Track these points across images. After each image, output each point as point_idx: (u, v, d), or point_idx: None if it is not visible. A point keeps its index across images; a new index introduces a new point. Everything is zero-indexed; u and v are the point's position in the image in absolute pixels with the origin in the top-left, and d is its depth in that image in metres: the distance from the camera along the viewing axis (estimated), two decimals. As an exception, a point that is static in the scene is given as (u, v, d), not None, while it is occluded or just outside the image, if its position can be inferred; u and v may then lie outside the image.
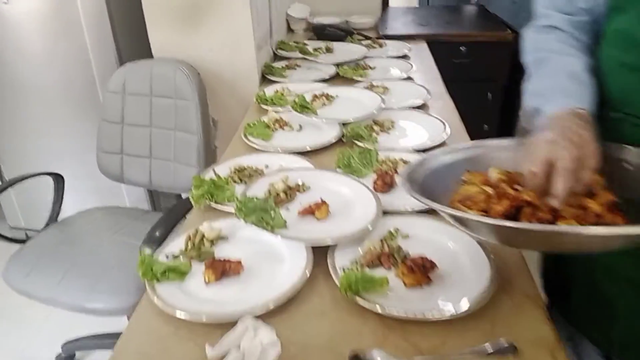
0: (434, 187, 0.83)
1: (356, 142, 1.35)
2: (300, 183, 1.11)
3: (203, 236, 0.96)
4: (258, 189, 1.07)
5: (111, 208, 1.86)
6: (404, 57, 2.14)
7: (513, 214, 0.71)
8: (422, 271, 0.83)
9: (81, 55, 1.98)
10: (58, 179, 1.81)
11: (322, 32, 2.40)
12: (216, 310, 0.80)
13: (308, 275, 0.87)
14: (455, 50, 2.49)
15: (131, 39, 2.01)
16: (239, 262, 0.88)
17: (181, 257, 0.93)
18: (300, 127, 1.49)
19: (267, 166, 1.26)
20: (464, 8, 3.05)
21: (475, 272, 0.86)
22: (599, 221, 0.68)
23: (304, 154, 1.32)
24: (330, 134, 1.41)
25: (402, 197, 1.09)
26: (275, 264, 0.91)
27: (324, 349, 0.75)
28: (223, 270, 0.86)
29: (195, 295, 0.84)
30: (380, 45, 2.27)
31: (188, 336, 0.78)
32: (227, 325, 0.77)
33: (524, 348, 0.74)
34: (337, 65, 1.97)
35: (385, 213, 1.01)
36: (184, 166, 1.74)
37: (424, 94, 1.66)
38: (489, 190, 0.76)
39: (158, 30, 1.83)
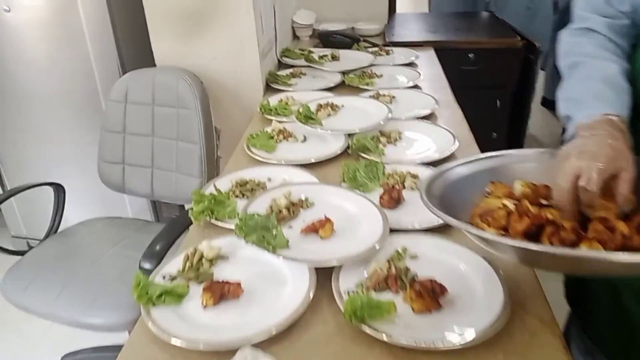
0: (454, 199, 0.80)
1: (362, 154, 1.31)
2: (303, 198, 1.07)
3: (202, 256, 0.92)
4: (260, 205, 1.03)
5: (112, 219, 1.83)
6: (411, 64, 2.09)
7: (534, 233, 0.69)
8: (431, 296, 0.79)
9: (83, 64, 1.95)
10: (58, 189, 1.78)
11: (327, 39, 2.36)
12: (214, 337, 0.75)
13: (311, 298, 0.83)
14: (463, 57, 2.45)
15: (134, 47, 1.98)
16: (239, 285, 0.84)
17: (179, 278, 0.89)
18: (305, 138, 1.45)
19: (269, 179, 1.22)
20: (473, 14, 3.01)
21: (488, 296, 0.81)
22: (626, 244, 0.64)
23: (308, 166, 1.28)
24: (336, 146, 1.37)
25: (410, 214, 1.05)
26: (276, 286, 0.87)
27: (327, 380, 0.71)
28: (222, 293, 0.82)
29: (193, 320, 0.80)
30: (387, 53, 2.23)
31: (184, 365, 0.74)
32: (225, 353, 0.73)
33: (540, 382, 0.69)
34: (343, 73, 1.93)
35: (392, 231, 0.97)
36: (186, 177, 1.71)
37: (431, 103, 1.61)
38: (510, 206, 0.73)
39: (161, 39, 1.80)
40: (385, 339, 0.73)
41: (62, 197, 1.79)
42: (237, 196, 1.14)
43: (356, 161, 1.25)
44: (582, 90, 0.81)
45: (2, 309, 1.49)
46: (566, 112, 0.82)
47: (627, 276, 0.71)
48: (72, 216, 2.19)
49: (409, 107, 1.61)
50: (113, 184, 1.82)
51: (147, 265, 1.28)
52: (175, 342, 0.75)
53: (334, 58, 2.09)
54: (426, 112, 1.56)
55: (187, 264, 0.91)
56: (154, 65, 1.85)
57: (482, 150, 1.02)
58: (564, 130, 0.86)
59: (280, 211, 1.01)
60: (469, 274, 0.87)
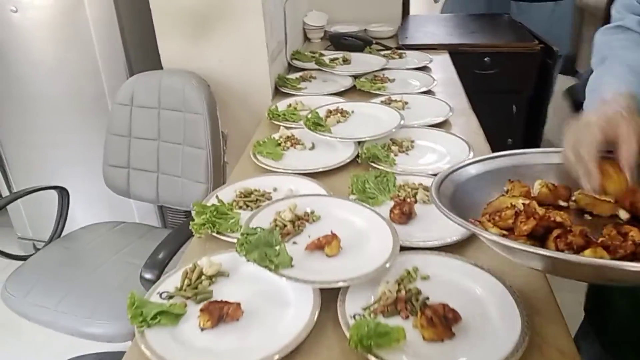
0: (469, 197, 0.78)
1: (372, 163, 1.26)
2: (309, 212, 1.02)
3: (201, 272, 0.87)
4: (263, 219, 0.98)
5: (117, 224, 1.80)
6: (425, 68, 2.04)
7: (542, 235, 0.67)
8: (443, 324, 0.73)
9: (90, 65, 1.92)
10: (62, 193, 1.75)
11: (339, 42, 2.31)
12: (210, 364, 0.71)
13: (315, 321, 0.78)
14: (479, 61, 2.38)
15: (142, 49, 1.95)
16: (238, 305, 0.79)
17: (176, 296, 0.84)
18: (313, 145, 1.40)
19: (275, 189, 1.18)
20: (489, 17, 2.93)
21: (504, 323, 0.76)
22: (636, 251, 0.62)
23: (315, 175, 1.23)
24: (345, 154, 1.32)
25: (422, 230, 1.00)
26: (278, 306, 0.82)
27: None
28: (220, 315, 0.78)
29: (189, 344, 0.76)
30: (400, 56, 2.17)
31: (178, 393, 0.69)
32: (221, 382, 0.68)
33: None
34: (354, 77, 1.88)
35: (403, 248, 0.91)
36: (192, 182, 1.67)
37: (446, 110, 1.56)
38: (519, 205, 0.72)
39: (168, 41, 1.77)
40: (393, 370, 0.68)
41: (66, 200, 1.76)
42: (240, 207, 1.10)
43: (366, 171, 1.20)
44: (606, 79, 0.81)
45: (4, 313, 1.46)
46: (590, 103, 0.81)
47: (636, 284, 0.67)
48: (79, 218, 2.17)
49: (422, 113, 1.55)
50: (118, 188, 1.79)
51: (148, 276, 1.24)
52: (169, 368, 0.70)
53: (345, 61, 2.04)
54: (440, 119, 1.50)
55: (186, 282, 0.86)
56: (162, 67, 1.81)
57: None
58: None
59: (284, 225, 0.96)
60: (484, 297, 0.81)
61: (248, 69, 1.77)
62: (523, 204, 0.72)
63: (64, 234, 1.77)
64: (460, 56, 2.29)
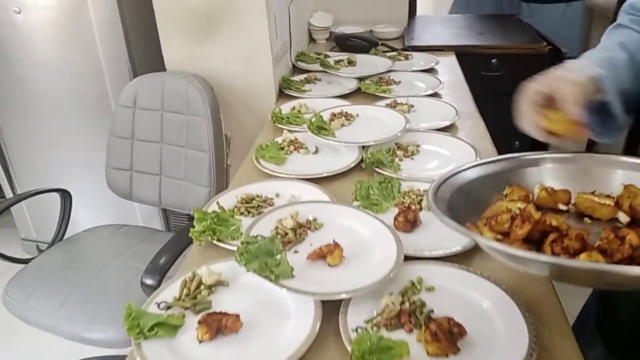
0: (468, 201, 0.77)
1: (376, 168, 1.24)
2: (311, 219, 1.00)
3: (200, 282, 0.85)
4: (264, 226, 0.96)
5: (120, 226, 1.78)
6: (431, 70, 2.01)
7: (538, 239, 0.68)
8: (448, 339, 0.71)
9: (94, 67, 1.91)
10: (65, 196, 1.74)
11: (344, 43, 2.29)
12: (207, 378, 0.69)
13: (316, 333, 0.76)
14: (486, 63, 2.35)
15: (145, 50, 1.93)
16: (237, 317, 0.77)
17: (174, 307, 0.82)
18: (317, 149, 1.38)
19: (277, 195, 1.15)
20: (497, 18, 2.90)
21: (511, 339, 0.73)
22: (634, 255, 0.62)
23: (318, 180, 1.21)
24: (349, 158, 1.30)
25: (427, 238, 0.97)
26: (279, 317, 0.80)
27: None
28: (218, 327, 0.76)
29: (187, 356, 0.74)
30: (406, 58, 2.14)
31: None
32: (218, 398, 0.66)
33: None
34: (360, 79, 1.86)
35: (407, 258, 0.89)
36: (195, 185, 1.65)
37: (452, 113, 1.53)
38: (516, 209, 0.72)
39: (171, 42, 1.75)
40: (396, 388, 0.66)
41: (69, 203, 1.75)
42: (242, 213, 1.08)
43: (370, 177, 1.18)
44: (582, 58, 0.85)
45: (6, 316, 1.45)
46: None
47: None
48: (82, 220, 2.16)
49: (428, 117, 1.53)
50: (120, 191, 1.78)
51: (149, 281, 1.23)
52: (165, 382, 0.68)
53: (351, 63, 2.02)
54: (446, 123, 1.47)
55: (184, 291, 0.84)
56: (165, 69, 1.80)
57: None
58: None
59: (286, 234, 0.94)
60: (491, 311, 0.79)
61: (252, 71, 1.75)
62: (519, 208, 0.71)
63: (67, 236, 1.76)
64: (467, 58, 2.26)
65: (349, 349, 0.71)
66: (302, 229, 0.96)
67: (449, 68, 2.09)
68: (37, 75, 1.98)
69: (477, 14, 3.17)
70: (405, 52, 2.19)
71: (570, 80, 0.75)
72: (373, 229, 0.96)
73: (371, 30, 2.55)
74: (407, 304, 0.79)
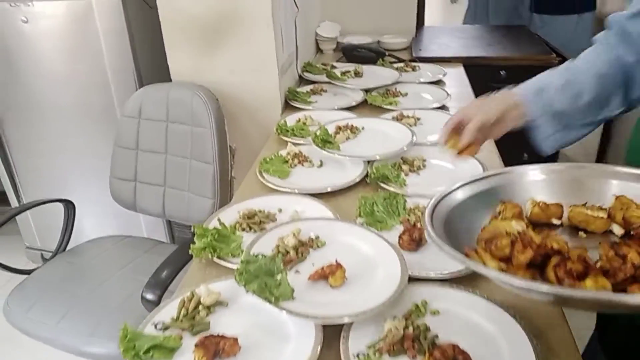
0: (460, 222, 0.76)
1: (382, 184, 1.21)
2: (314, 237, 0.98)
3: (199, 302, 0.83)
4: (265, 244, 0.94)
5: (123, 237, 1.77)
6: (439, 82, 1.99)
7: (540, 262, 0.66)
8: (452, 368, 0.68)
9: (100, 77, 1.91)
10: (68, 206, 1.73)
11: (351, 54, 2.27)
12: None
13: (317, 358, 0.73)
14: (494, 74, 2.32)
15: (152, 61, 1.93)
16: (235, 340, 0.75)
17: (172, 327, 0.80)
18: (321, 163, 1.36)
19: (280, 210, 1.14)
20: (506, 29, 2.88)
21: (518, 367, 0.71)
22: (636, 274, 0.62)
23: (322, 195, 1.18)
24: (354, 173, 1.28)
25: (432, 258, 0.95)
26: (278, 341, 0.78)
27: None
28: (216, 350, 0.74)
29: (182, 381, 0.72)
30: (414, 69, 2.12)
31: None
32: None
33: None
34: (366, 90, 1.84)
35: (412, 279, 0.87)
36: (199, 197, 1.63)
37: (459, 127, 1.50)
38: (515, 231, 0.71)
39: (177, 53, 1.74)
40: (397, 419, 0.64)
41: (72, 214, 1.74)
42: (243, 229, 1.06)
43: (374, 192, 1.15)
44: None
45: (7, 326, 1.44)
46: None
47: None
48: (87, 230, 2.16)
49: (435, 130, 1.48)
50: (124, 202, 1.77)
51: (149, 296, 1.21)
52: (159, 409, 0.66)
53: (357, 74, 2.00)
54: (453, 137, 1.45)
55: (182, 311, 0.82)
56: (171, 79, 1.79)
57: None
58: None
59: (287, 252, 0.92)
60: (497, 337, 0.76)
61: (258, 82, 1.74)
62: (519, 232, 0.70)
63: (71, 245, 1.75)
64: (475, 69, 2.23)
65: (350, 376, 0.68)
66: (304, 247, 0.94)
67: (456, 80, 2.07)
68: (43, 84, 1.98)
69: (489, 23, 3.16)
70: (413, 63, 2.17)
71: (480, 110, 0.93)
72: (377, 248, 0.94)
73: (379, 41, 2.53)
74: (410, 329, 0.77)
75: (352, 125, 1.48)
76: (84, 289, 1.50)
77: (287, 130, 1.52)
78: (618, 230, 0.76)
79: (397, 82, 1.92)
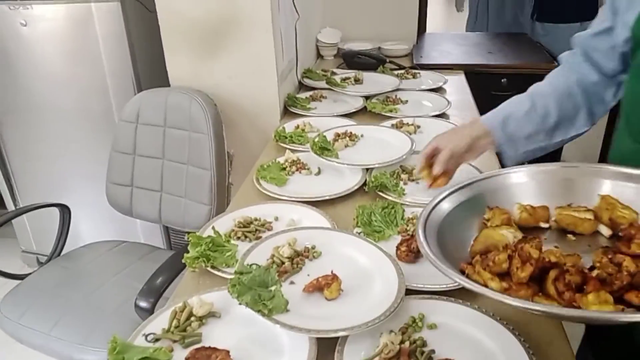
0: (453, 231, 0.76)
1: (380, 193, 1.20)
2: (310, 247, 0.96)
3: (191, 313, 0.82)
4: (260, 254, 0.92)
5: (119, 243, 1.75)
6: (440, 90, 1.97)
7: (538, 275, 0.67)
8: (449, 385, 0.67)
9: (99, 81, 1.90)
10: (64, 210, 1.72)
11: (352, 60, 2.26)
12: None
13: (310, 373, 0.72)
14: (495, 82, 2.31)
15: (151, 65, 1.92)
16: (227, 353, 0.73)
17: (162, 339, 0.78)
18: (319, 170, 1.34)
19: (277, 218, 1.12)
20: (507, 36, 2.87)
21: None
22: (633, 282, 0.63)
23: (319, 203, 1.17)
24: (352, 181, 1.26)
25: (430, 271, 0.91)
26: (271, 355, 0.76)
27: None
28: (206, 364, 0.72)
29: (172, 395, 0.70)
30: (414, 76, 2.11)
31: None
32: None
33: None
34: (366, 97, 1.83)
35: (409, 292, 0.85)
36: (196, 203, 1.62)
37: (459, 135, 1.49)
38: (508, 241, 0.73)
39: (176, 58, 1.73)
40: None
41: (67, 218, 1.73)
42: (239, 238, 1.04)
43: (372, 202, 1.14)
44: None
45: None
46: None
47: None
48: (84, 234, 2.14)
49: (435, 139, 1.48)
50: (120, 207, 1.75)
51: (143, 304, 1.19)
52: None
53: (357, 81, 1.99)
54: (453, 145, 1.43)
55: (174, 322, 0.80)
56: (170, 84, 1.78)
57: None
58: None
59: (282, 263, 0.90)
60: (496, 353, 0.74)
61: (257, 88, 1.73)
62: (515, 245, 0.70)
63: (66, 250, 1.73)
64: (476, 77, 2.22)
65: (344, 392, 0.67)
66: (299, 257, 0.92)
67: (457, 87, 2.06)
68: (41, 88, 1.97)
69: (491, 31, 3.15)
70: (413, 71, 2.16)
71: (451, 140, 1.02)
72: (374, 259, 0.92)
73: (379, 47, 2.52)
74: (407, 343, 0.75)
75: (351, 133, 1.46)
76: (78, 295, 1.48)
77: (286, 137, 1.50)
78: (606, 231, 0.77)
79: (398, 89, 1.91)
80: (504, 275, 0.68)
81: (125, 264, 1.62)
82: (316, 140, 1.36)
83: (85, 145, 2.05)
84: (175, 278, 1.23)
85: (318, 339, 0.76)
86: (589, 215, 0.77)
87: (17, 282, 1.56)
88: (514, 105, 1.04)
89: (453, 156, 1.01)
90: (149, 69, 1.93)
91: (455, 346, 0.75)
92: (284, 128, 1.55)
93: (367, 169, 1.29)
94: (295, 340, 0.77)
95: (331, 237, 0.99)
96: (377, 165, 1.29)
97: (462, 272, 0.70)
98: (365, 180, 1.25)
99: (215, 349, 0.74)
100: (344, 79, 1.97)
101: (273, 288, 0.81)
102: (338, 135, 1.45)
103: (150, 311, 1.17)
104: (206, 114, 1.57)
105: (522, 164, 0.97)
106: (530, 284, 0.67)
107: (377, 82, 1.98)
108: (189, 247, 0.97)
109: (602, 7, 0.97)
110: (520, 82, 2.29)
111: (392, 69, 2.18)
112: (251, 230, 1.05)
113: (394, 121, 1.61)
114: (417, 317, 0.81)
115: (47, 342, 1.37)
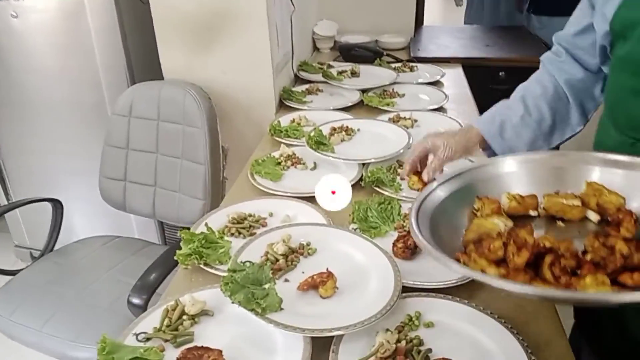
0: (446, 220, 0.75)
1: (376, 188, 1.18)
2: (304, 243, 0.94)
3: (183, 311, 0.80)
4: (254, 251, 0.90)
5: (112, 238, 1.73)
6: (437, 83, 1.95)
7: (533, 261, 0.66)
8: (446, 385, 0.65)
9: (91, 74, 1.87)
10: (56, 205, 1.69)
11: (348, 53, 2.23)
12: None
13: (304, 372, 0.70)
14: (493, 76, 2.29)
15: (144, 59, 1.89)
16: (220, 353, 0.72)
17: (154, 338, 0.77)
18: (315, 165, 1.32)
19: (271, 214, 1.10)
20: (505, 29, 2.84)
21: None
22: (626, 263, 0.63)
23: (315, 199, 1.15)
24: (348, 176, 1.24)
25: (427, 267, 0.91)
26: (264, 354, 0.74)
27: None
28: (198, 364, 0.70)
29: (163, 396, 0.68)
30: (411, 69, 2.09)
31: None
32: None
33: None
34: (363, 91, 1.81)
35: (406, 289, 0.83)
36: (190, 198, 1.60)
37: (457, 129, 1.47)
38: (503, 227, 0.73)
39: (170, 51, 1.70)
40: None
41: (60, 213, 1.70)
42: (232, 234, 1.02)
43: (369, 197, 1.12)
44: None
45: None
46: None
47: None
48: (78, 229, 2.12)
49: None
50: (114, 201, 1.73)
51: (135, 300, 1.18)
52: None
53: (354, 74, 1.96)
54: (450, 140, 1.41)
55: (165, 321, 0.79)
56: (163, 76, 1.75)
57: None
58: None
59: (276, 260, 0.88)
60: (493, 352, 0.73)
61: (252, 81, 1.70)
62: (509, 232, 0.70)
63: (60, 244, 1.71)
64: (474, 70, 2.20)
65: (339, 393, 0.65)
66: (294, 254, 0.91)
67: (455, 81, 2.04)
68: (33, 81, 1.94)
69: (486, 24, 3.12)
70: (411, 64, 2.13)
71: (446, 145, 0.99)
72: (370, 256, 0.91)
73: (376, 40, 2.50)
74: (403, 342, 0.73)
75: (347, 127, 1.44)
76: (71, 291, 1.46)
77: (281, 131, 1.48)
78: (594, 217, 0.77)
79: (395, 83, 1.88)
80: (499, 263, 0.68)
81: (119, 259, 1.60)
82: (312, 134, 1.34)
83: (78, 139, 2.03)
84: (169, 274, 1.22)
85: (313, 338, 0.74)
86: (577, 202, 0.77)
87: (9, 277, 1.55)
88: (508, 110, 1.02)
89: (444, 164, 1.00)
90: (142, 61, 1.90)
91: (452, 345, 0.74)
92: (279, 122, 1.52)
93: (364, 164, 1.28)
94: (289, 339, 0.75)
95: (326, 233, 0.98)
96: (373, 160, 1.27)
97: (458, 262, 0.69)
98: (362, 175, 1.23)
99: (207, 349, 0.72)
100: (340, 72, 1.95)
101: (267, 286, 0.79)
102: (334, 129, 1.43)
103: (143, 308, 1.16)
104: (200, 108, 1.54)
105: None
106: (527, 269, 0.66)
107: (374, 75, 1.96)
108: (181, 244, 0.95)
109: (581, 2, 0.96)
110: (518, 75, 2.26)
111: (389, 62, 2.15)
112: (245, 226, 1.04)
113: (391, 115, 1.59)
114: (414, 315, 0.79)
115: (39, 339, 1.35)
